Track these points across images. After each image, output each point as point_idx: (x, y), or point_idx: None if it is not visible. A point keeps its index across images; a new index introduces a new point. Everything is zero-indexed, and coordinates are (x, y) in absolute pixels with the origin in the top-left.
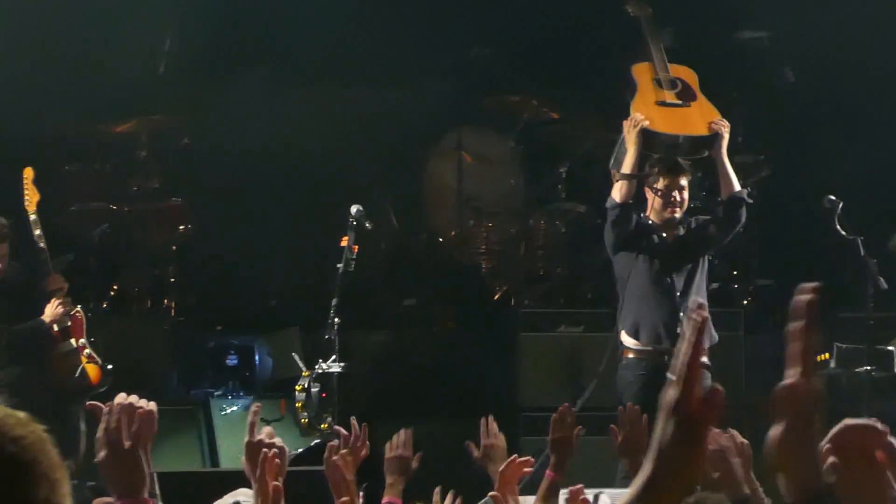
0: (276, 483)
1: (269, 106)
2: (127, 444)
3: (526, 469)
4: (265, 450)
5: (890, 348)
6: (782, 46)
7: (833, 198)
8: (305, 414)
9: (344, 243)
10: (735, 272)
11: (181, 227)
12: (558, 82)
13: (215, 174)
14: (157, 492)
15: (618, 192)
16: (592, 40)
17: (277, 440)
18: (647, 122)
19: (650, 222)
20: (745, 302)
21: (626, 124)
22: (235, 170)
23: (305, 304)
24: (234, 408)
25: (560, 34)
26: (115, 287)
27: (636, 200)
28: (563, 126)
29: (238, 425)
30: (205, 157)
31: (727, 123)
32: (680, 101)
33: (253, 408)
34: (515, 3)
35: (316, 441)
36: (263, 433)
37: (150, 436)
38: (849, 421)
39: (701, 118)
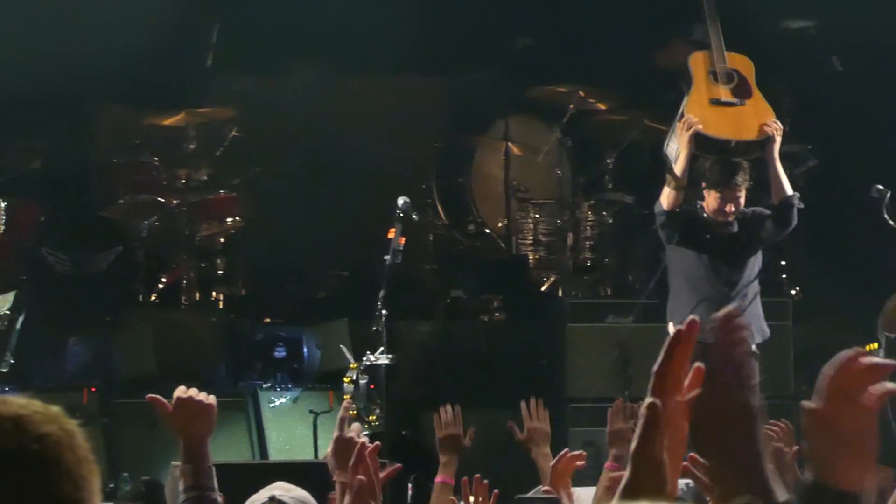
0: (372, 477)
1: (317, 97)
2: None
3: (579, 462)
4: (363, 444)
5: None
6: (830, 35)
7: (881, 187)
8: (353, 405)
9: (391, 235)
10: (783, 262)
11: (229, 220)
12: (605, 72)
13: (263, 166)
14: (215, 485)
15: (666, 199)
16: (641, 28)
17: (364, 437)
18: (700, 126)
19: (705, 215)
20: (794, 292)
21: (680, 126)
22: (283, 161)
23: (353, 295)
24: (283, 399)
25: (607, 23)
26: (163, 279)
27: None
28: (609, 116)
29: (286, 417)
30: (253, 149)
31: (780, 126)
32: (735, 100)
33: (344, 403)
34: None
35: (364, 433)
36: (353, 430)
37: (209, 429)
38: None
39: (755, 117)
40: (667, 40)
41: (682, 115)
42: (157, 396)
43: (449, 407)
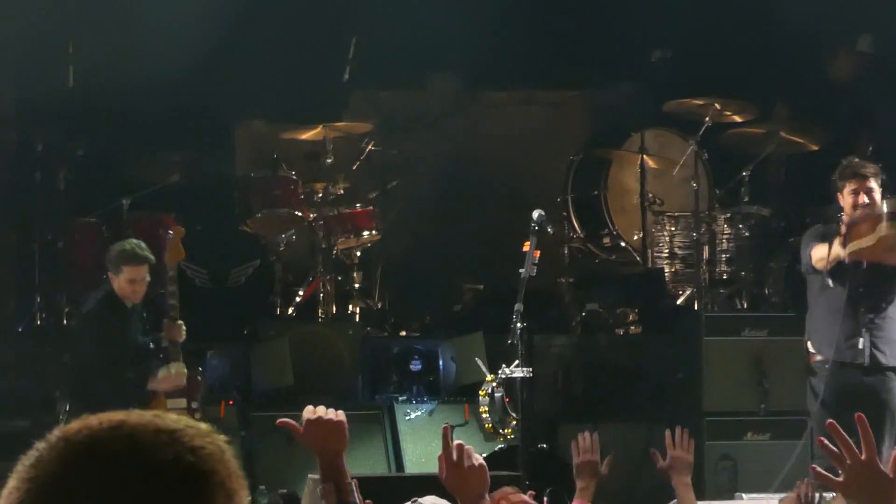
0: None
1: (454, 110)
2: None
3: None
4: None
5: None
6: None
7: None
8: (489, 419)
9: (526, 248)
10: None
11: (366, 233)
12: (742, 85)
13: (400, 179)
14: (358, 500)
15: (816, 259)
16: (778, 42)
17: (480, 457)
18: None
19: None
20: None
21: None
22: (420, 175)
23: (489, 308)
24: (419, 412)
25: (743, 36)
26: (300, 293)
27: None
28: (746, 129)
29: (422, 430)
30: (390, 163)
31: None
32: None
33: (444, 426)
34: (699, 5)
35: (500, 446)
36: (466, 454)
37: (343, 445)
38: None
39: None
40: (835, 51)
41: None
42: (289, 421)
43: (587, 433)
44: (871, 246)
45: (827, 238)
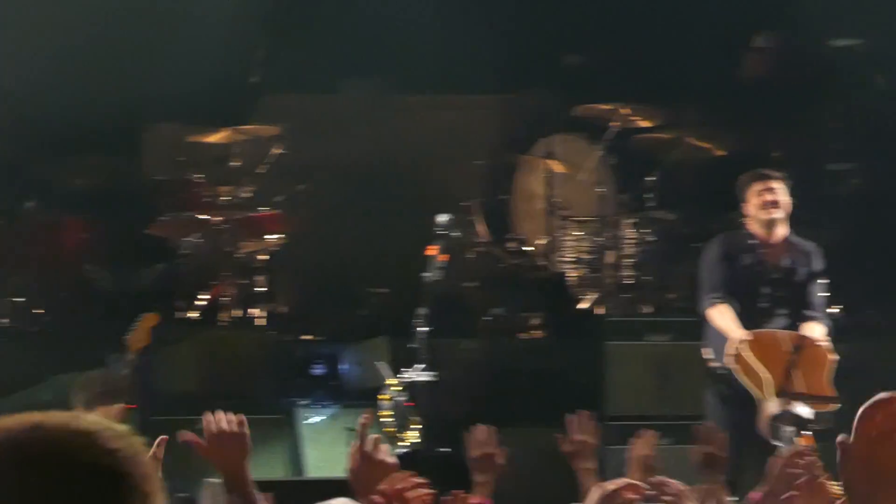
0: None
1: (362, 115)
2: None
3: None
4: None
5: None
6: (876, 53)
7: None
8: (392, 423)
9: (432, 252)
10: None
11: (271, 237)
12: (650, 91)
13: (307, 184)
14: None
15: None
16: (685, 48)
17: (393, 458)
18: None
19: (749, 242)
20: (837, 309)
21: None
22: (326, 179)
23: (393, 313)
24: (321, 417)
25: (652, 42)
26: (205, 296)
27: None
28: (653, 134)
29: (324, 434)
30: (297, 167)
31: None
32: None
33: (361, 419)
34: (608, 11)
35: (402, 450)
36: (382, 451)
37: (245, 456)
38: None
39: None
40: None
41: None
42: (191, 436)
43: (483, 427)
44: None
45: (729, 259)
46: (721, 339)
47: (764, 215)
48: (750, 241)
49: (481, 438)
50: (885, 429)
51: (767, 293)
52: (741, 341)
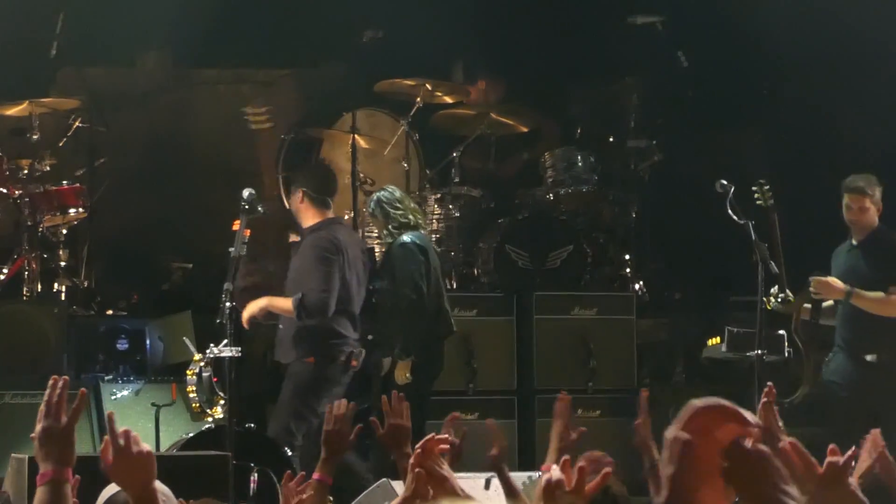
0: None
1: (164, 88)
2: (64, 419)
3: (443, 446)
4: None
5: (781, 332)
6: (676, 30)
7: (725, 182)
8: (196, 398)
9: (236, 227)
10: (628, 256)
11: (73, 211)
12: (453, 65)
13: (108, 157)
14: None
15: None
16: (487, 21)
17: (145, 446)
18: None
19: None
20: (638, 286)
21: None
22: (129, 153)
23: (198, 288)
24: (125, 392)
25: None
26: (4, 270)
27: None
28: (457, 110)
29: (128, 409)
30: (98, 140)
31: None
32: None
33: (108, 413)
34: None
35: (207, 426)
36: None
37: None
38: (695, 402)
39: None
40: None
41: None
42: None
43: (344, 401)
44: None
45: None
46: None
47: None
48: None
49: (339, 413)
50: (707, 425)
51: None
52: None
